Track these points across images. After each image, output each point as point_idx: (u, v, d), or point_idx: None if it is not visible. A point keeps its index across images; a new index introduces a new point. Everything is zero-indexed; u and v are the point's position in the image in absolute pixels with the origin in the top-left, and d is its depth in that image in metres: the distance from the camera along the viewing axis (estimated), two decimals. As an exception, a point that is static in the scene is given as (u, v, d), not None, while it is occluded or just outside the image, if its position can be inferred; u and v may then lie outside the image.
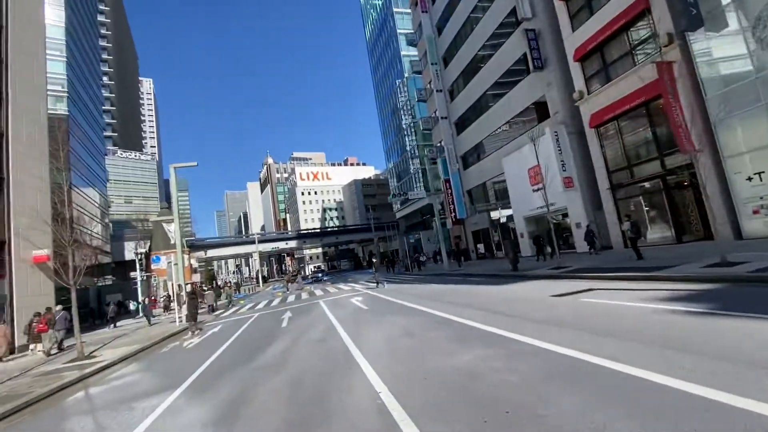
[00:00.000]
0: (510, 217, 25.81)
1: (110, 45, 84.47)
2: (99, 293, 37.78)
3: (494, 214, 28.09)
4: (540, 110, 22.20)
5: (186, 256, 17.95)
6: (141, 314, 19.37)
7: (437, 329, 7.11)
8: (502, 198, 27.04)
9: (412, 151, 59.76)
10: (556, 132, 19.95)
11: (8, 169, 14.57)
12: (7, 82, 15.16)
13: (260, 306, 20.29)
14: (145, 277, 39.50)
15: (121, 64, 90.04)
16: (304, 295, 22.46)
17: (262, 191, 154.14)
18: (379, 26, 68.39)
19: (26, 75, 16.46)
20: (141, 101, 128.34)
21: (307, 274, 59.28)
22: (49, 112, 33.75)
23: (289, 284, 34.61)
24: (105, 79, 79.64)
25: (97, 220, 43.72)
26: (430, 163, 56.66)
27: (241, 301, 26.24)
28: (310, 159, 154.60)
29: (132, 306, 30.75)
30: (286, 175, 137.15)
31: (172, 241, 17.02)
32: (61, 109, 32.48)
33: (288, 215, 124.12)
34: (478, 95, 28.00)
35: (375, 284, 20.72)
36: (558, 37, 20.03)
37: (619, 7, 15.78)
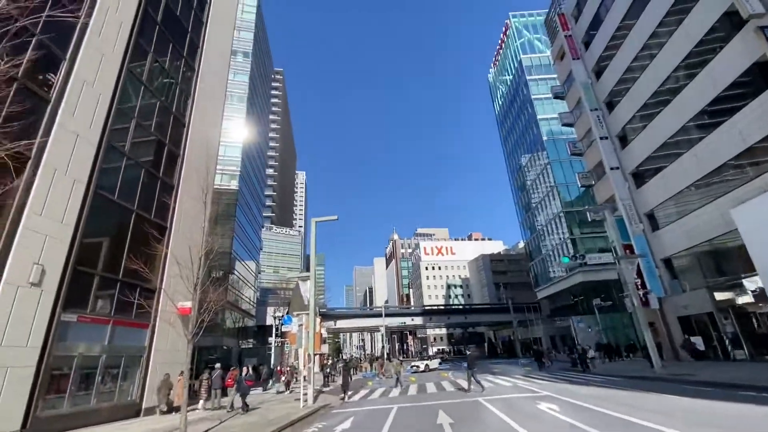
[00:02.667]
0: (760, 295, 16.84)
1: (278, 145, 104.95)
2: (240, 355, 39.34)
3: (722, 295, 19.17)
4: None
5: (318, 321, 15.52)
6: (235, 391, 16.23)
7: None
8: (734, 269, 18.39)
9: (555, 221, 52.28)
10: None
11: (172, 219, 15.24)
12: (186, 143, 16.80)
13: (395, 393, 16.07)
14: (279, 344, 40.02)
15: (283, 157, 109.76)
16: (447, 386, 17.39)
17: (387, 266, 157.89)
18: (509, 99, 67.68)
19: (202, 141, 18.22)
20: (295, 189, 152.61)
21: (431, 356, 52.46)
22: (223, 186, 40.25)
23: (381, 372, 26.71)
24: (270, 170, 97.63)
25: (249, 284, 48.03)
26: (582, 230, 47.77)
27: (370, 382, 22.43)
28: (434, 234, 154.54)
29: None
30: (410, 250, 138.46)
31: (306, 302, 14.88)
32: (234, 184, 38.21)
33: (411, 290, 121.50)
34: (671, 131, 21.48)
35: (473, 384, 15.38)
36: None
37: None
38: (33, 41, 10.19)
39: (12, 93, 9.12)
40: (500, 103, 73.17)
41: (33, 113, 10.13)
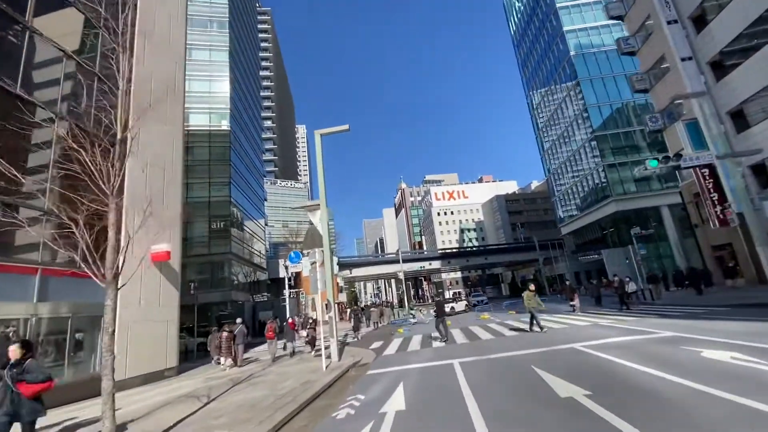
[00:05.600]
0: None
1: (273, 94, 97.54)
2: (254, 309, 37.13)
3: None
4: None
5: (335, 261, 11.74)
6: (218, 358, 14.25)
7: None
8: None
9: (585, 148, 47.35)
10: None
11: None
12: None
13: (439, 343, 12.71)
14: (293, 295, 37.61)
15: (280, 105, 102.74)
16: (504, 330, 13.94)
17: (396, 216, 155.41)
18: (528, 13, 59.51)
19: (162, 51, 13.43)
20: (297, 145, 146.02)
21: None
22: (213, 127, 35.62)
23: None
24: (268, 122, 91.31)
25: (257, 237, 44.95)
26: (616, 157, 42.86)
27: (400, 330, 19.40)
28: (443, 180, 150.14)
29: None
30: (419, 198, 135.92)
31: (320, 231, 11.06)
32: (224, 125, 33.46)
33: (423, 237, 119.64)
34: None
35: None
36: None
37: None
38: None
39: None
40: (516, 20, 64.62)
41: None
